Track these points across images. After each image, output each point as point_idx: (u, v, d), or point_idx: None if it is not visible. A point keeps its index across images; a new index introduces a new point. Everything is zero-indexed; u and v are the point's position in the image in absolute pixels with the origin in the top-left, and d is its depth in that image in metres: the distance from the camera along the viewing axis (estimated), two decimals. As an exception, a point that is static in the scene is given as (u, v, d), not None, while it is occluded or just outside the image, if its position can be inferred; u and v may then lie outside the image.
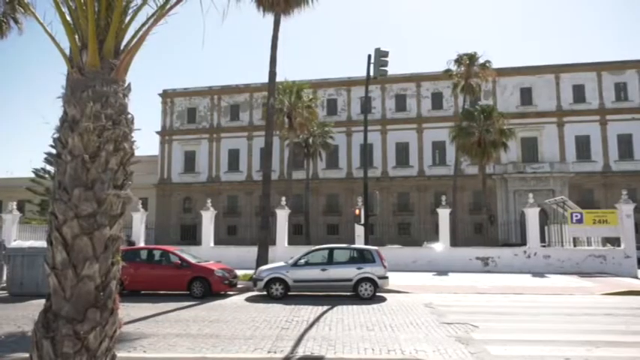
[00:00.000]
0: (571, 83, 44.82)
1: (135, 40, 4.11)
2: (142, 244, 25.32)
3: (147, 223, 29.57)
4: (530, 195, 25.85)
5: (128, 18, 4.10)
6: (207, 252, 23.48)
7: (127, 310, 11.52)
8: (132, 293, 14.83)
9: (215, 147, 50.46)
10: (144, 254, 16.56)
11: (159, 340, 8.85)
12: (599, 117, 43.88)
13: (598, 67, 44.56)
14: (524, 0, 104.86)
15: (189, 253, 16.77)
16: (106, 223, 3.79)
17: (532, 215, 24.48)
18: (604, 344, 8.50)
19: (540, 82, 45.37)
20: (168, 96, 52.59)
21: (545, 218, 30.06)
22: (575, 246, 25.84)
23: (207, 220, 27.00)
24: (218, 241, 29.35)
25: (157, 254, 16.41)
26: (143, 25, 4.12)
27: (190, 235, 42.17)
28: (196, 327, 10.19)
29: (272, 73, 20.06)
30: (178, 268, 15.32)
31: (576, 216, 23.87)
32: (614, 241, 24.89)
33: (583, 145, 43.80)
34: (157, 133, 51.85)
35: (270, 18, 19.82)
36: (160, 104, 52.73)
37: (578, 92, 44.70)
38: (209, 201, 28.37)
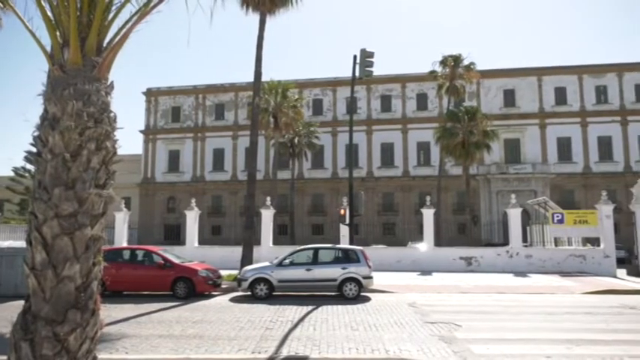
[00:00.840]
0: (553, 86, 45.57)
1: (118, 37, 4.06)
2: (124, 244, 25.01)
3: (130, 222, 29.25)
4: (513, 195, 26.17)
5: (111, 15, 4.05)
6: (191, 252, 23.31)
7: (109, 311, 11.38)
8: (114, 294, 14.63)
9: (200, 146, 50.10)
10: (126, 254, 16.38)
11: (141, 342, 8.76)
12: (580, 119, 44.66)
13: (579, 70, 45.38)
14: (508, 3, 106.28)
15: (172, 253, 16.61)
16: (88, 222, 3.74)
17: (514, 215, 24.79)
18: (584, 342, 8.64)
19: (523, 84, 46.02)
20: (152, 94, 52.05)
21: (527, 218, 30.47)
22: (556, 246, 26.27)
23: (192, 219, 26.80)
24: (202, 241, 29.12)
25: (139, 254, 16.23)
26: (126, 22, 4.07)
27: (174, 235, 41.75)
28: (180, 328, 10.10)
29: (257, 73, 20.00)
30: (161, 269, 15.14)
31: (557, 216, 24.23)
32: (594, 241, 25.34)
33: (564, 147, 44.54)
34: (141, 131, 51.30)
35: (255, 17, 19.81)
36: (144, 103, 52.21)
37: (560, 94, 45.46)
38: (193, 201, 28.19)
